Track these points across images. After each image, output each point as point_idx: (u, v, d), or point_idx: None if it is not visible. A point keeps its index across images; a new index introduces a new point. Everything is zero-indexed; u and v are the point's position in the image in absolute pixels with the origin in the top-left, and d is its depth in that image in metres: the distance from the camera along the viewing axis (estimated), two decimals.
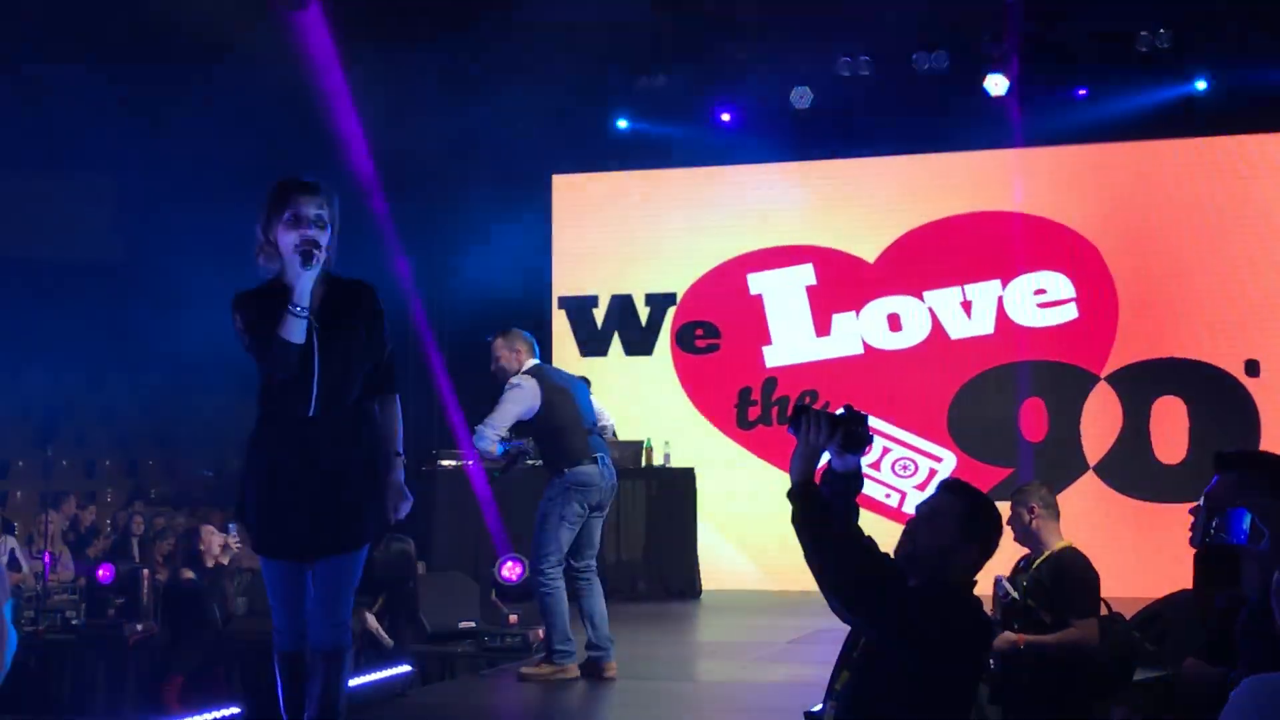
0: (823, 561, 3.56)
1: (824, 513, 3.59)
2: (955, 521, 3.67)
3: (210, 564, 8.32)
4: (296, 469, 4.40)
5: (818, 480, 3.67)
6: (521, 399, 7.21)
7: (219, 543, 8.41)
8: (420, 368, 12.43)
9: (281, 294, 4.38)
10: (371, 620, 7.88)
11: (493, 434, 7.12)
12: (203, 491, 14.29)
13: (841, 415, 3.67)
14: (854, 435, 3.65)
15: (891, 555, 3.70)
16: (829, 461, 3.72)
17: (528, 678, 7.10)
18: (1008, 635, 5.69)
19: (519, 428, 7.31)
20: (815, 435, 3.61)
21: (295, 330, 4.34)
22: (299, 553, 4.42)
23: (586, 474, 7.16)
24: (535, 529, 7.17)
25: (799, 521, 3.59)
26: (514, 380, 7.28)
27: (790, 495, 3.62)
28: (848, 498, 3.74)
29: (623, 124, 13.11)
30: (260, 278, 4.48)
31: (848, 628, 3.77)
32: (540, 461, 7.61)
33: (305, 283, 4.34)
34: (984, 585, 5.76)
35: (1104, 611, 5.90)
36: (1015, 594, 5.82)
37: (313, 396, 4.40)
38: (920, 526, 3.71)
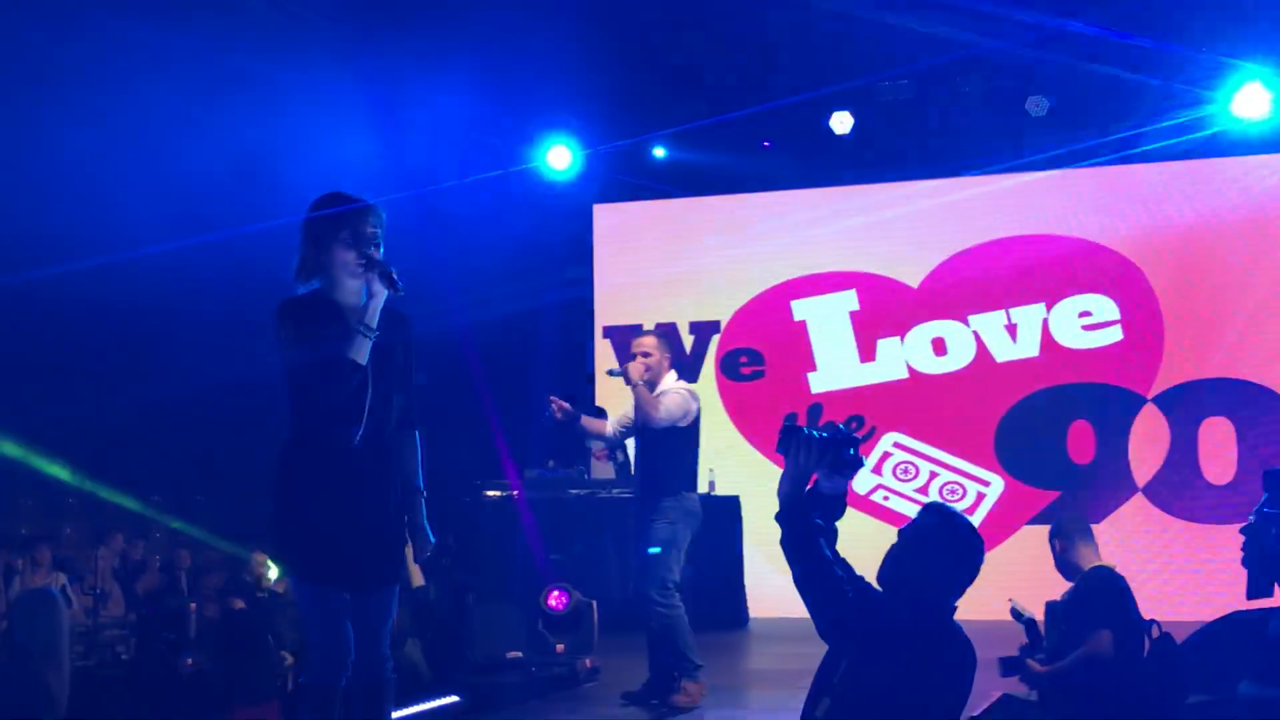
0: (808, 584, 3.53)
1: (813, 534, 3.54)
2: (935, 545, 3.63)
3: (263, 593, 8.34)
4: (347, 496, 4.29)
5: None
6: (684, 404, 7.18)
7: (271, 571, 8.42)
8: (465, 398, 12.47)
9: (329, 308, 4.33)
10: (415, 650, 7.88)
11: (661, 417, 7.09)
12: (248, 523, 14.34)
13: (831, 437, 3.59)
14: (843, 458, 3.58)
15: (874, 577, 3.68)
16: (815, 483, 3.66)
17: (684, 705, 7.06)
18: (1032, 666, 5.68)
19: (649, 436, 7.21)
20: (805, 457, 3.54)
21: (364, 352, 4.27)
22: (354, 582, 4.31)
23: (697, 502, 7.22)
24: (650, 549, 7.05)
25: (787, 544, 3.55)
26: (677, 386, 7.27)
27: (778, 518, 3.57)
28: (829, 521, 3.68)
29: (660, 152, 13.14)
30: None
31: None
32: (633, 482, 7.60)
33: (379, 303, 4.31)
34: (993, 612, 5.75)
35: (1155, 634, 5.84)
36: (1027, 613, 5.80)
37: (363, 422, 4.31)
38: (902, 549, 3.67)
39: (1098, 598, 5.77)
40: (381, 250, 4.37)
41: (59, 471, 12.31)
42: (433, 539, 4.55)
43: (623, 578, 11.11)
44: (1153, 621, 5.90)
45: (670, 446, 7.19)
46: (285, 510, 4.33)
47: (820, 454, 3.54)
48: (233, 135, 10.28)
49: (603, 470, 11.60)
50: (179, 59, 9.97)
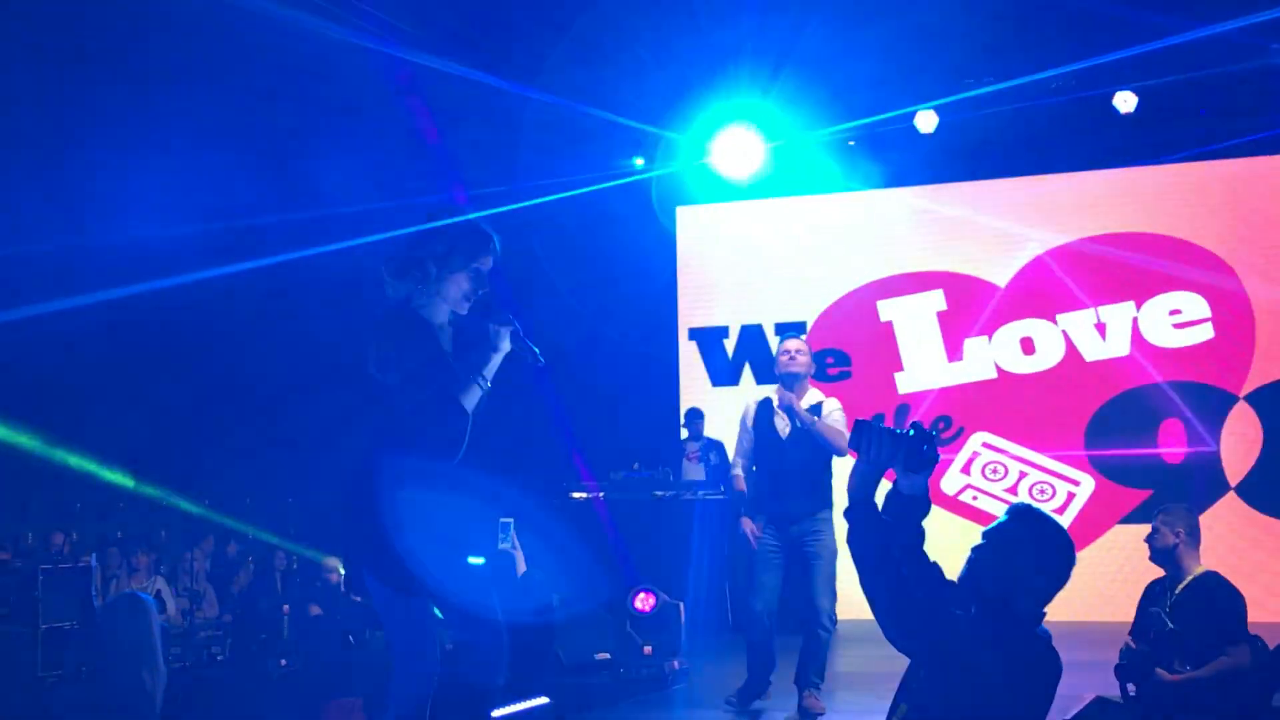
0: (875, 585, 3.40)
1: (882, 534, 3.41)
2: (1023, 551, 3.46)
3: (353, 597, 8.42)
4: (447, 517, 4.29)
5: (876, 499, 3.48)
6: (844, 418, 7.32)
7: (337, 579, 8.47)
8: (544, 402, 12.54)
9: (431, 338, 4.29)
10: None
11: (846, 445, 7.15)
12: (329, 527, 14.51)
13: (905, 433, 3.44)
14: (917, 454, 3.42)
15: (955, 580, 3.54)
16: (895, 482, 3.52)
17: (819, 710, 7.15)
18: (1161, 674, 5.61)
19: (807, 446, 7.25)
20: (877, 452, 3.41)
21: (476, 400, 4.28)
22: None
23: None
24: (829, 567, 7.12)
25: (854, 541, 3.44)
26: (829, 400, 7.42)
27: (845, 514, 3.46)
28: (913, 522, 3.51)
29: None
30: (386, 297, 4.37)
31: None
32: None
33: (500, 359, 4.32)
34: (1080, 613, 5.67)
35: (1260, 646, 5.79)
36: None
37: (461, 449, 4.29)
38: (986, 554, 3.51)
39: (1225, 607, 5.68)
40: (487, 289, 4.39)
41: (121, 479, 12.56)
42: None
43: (711, 580, 11.14)
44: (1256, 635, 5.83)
45: (829, 458, 7.27)
46: (380, 525, 4.23)
47: (893, 450, 3.41)
48: None
49: (694, 472, 11.62)
50: None
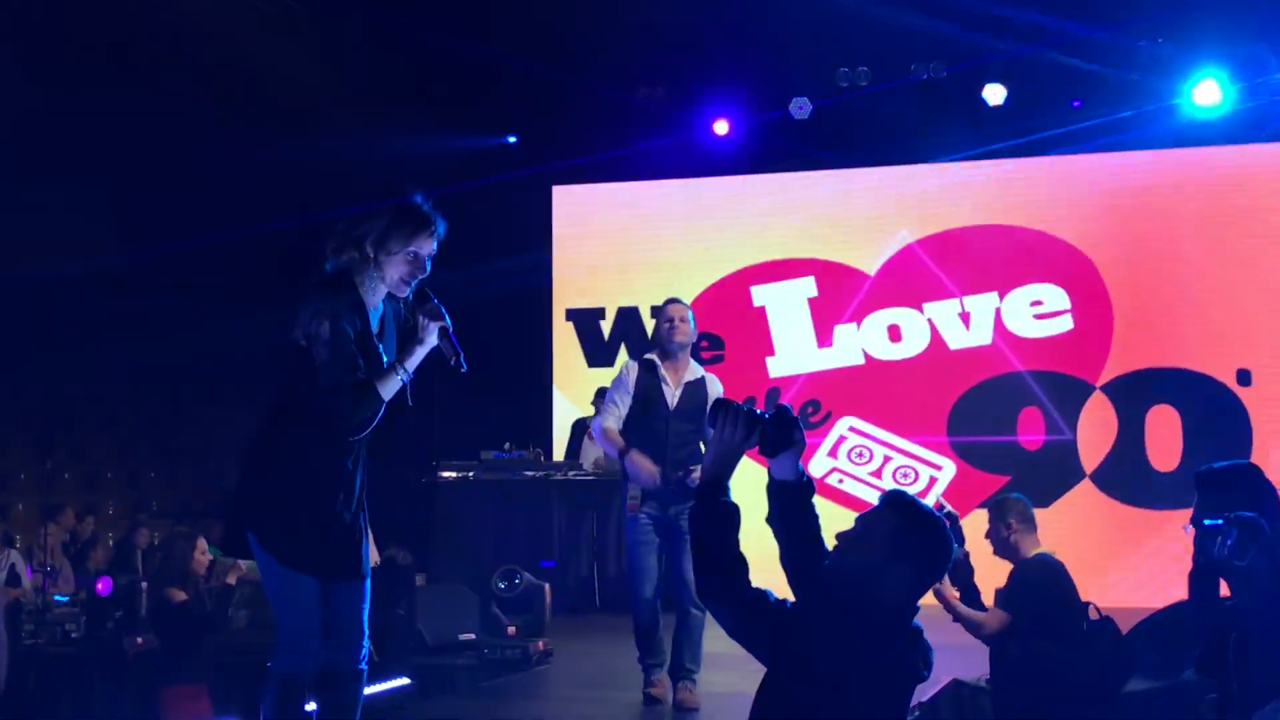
0: (708, 571, 3.27)
1: (722, 521, 3.25)
2: (887, 538, 3.25)
3: (204, 582, 8.26)
4: (346, 489, 4.30)
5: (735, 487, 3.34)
6: None
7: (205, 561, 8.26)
8: (420, 379, 12.43)
9: (362, 316, 4.27)
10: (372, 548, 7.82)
11: None
12: (202, 503, 14.30)
13: (763, 414, 3.29)
14: (771, 437, 3.27)
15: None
16: (769, 468, 3.38)
17: (694, 705, 6.71)
18: (946, 588, 5.72)
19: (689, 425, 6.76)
20: (730, 433, 3.24)
21: (394, 389, 4.25)
22: (350, 571, 4.31)
23: None
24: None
25: (694, 520, 3.29)
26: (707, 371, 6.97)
27: (695, 490, 3.32)
28: (797, 510, 3.38)
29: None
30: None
31: None
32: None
33: (426, 351, 4.28)
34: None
35: (1094, 615, 5.94)
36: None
37: (368, 431, 4.32)
38: (851, 540, 3.32)
39: (1020, 583, 5.82)
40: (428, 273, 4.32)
41: None
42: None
43: (577, 560, 11.15)
44: (1088, 604, 5.98)
45: (707, 435, 6.48)
46: (277, 493, 4.23)
47: (747, 430, 3.24)
48: None
49: (595, 451, 11.33)
50: None
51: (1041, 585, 5.77)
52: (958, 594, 5.77)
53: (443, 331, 4.26)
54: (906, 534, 3.25)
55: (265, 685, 4.25)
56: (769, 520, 3.42)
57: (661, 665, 6.84)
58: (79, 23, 10.36)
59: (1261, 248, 11.84)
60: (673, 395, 6.86)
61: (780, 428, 3.27)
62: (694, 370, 6.98)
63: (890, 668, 3.23)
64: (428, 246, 4.31)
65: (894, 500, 3.35)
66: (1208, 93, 11.60)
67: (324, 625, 4.26)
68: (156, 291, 12.12)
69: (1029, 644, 5.67)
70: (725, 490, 3.30)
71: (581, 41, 11.98)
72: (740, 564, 3.27)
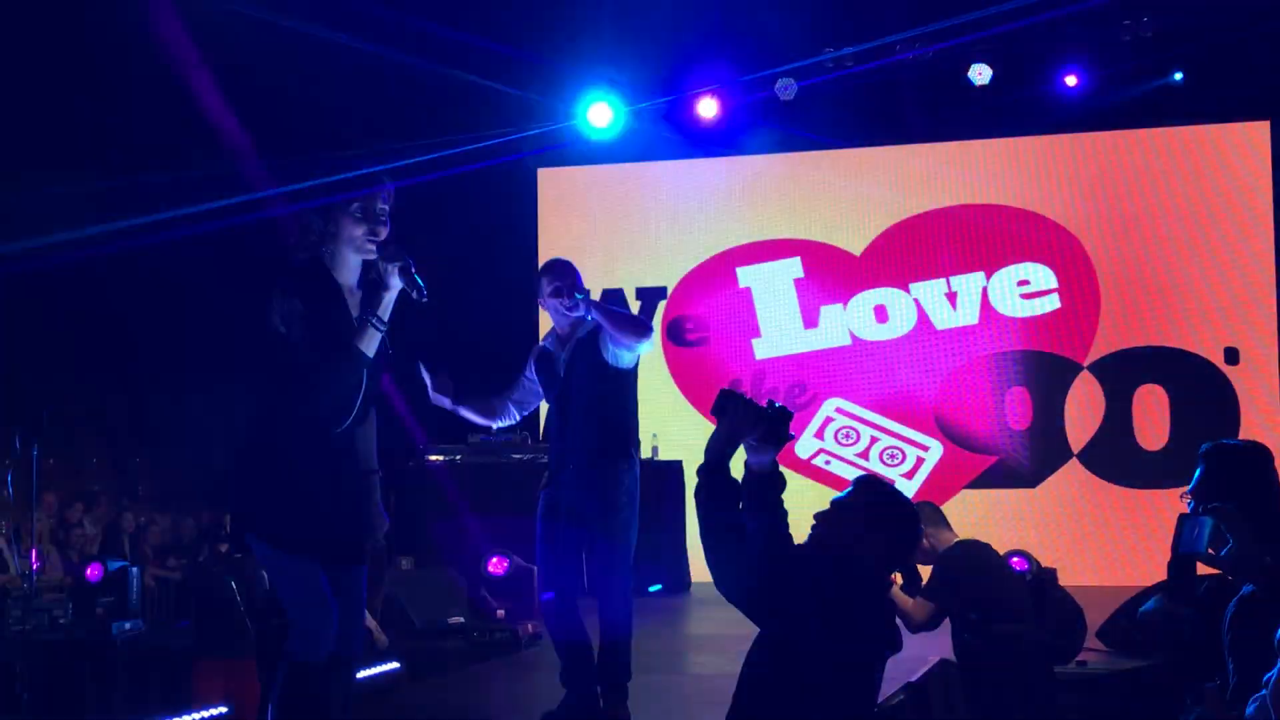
0: (717, 545, 3.54)
1: (728, 498, 3.56)
2: (861, 511, 3.67)
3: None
4: (333, 473, 4.23)
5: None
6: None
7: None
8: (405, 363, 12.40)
9: (334, 289, 4.22)
10: (370, 619, 7.84)
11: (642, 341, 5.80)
12: (188, 489, 14.26)
13: (767, 409, 3.58)
14: (774, 432, 3.56)
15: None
16: (747, 460, 3.64)
17: None
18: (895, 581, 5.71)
19: (606, 382, 5.89)
20: (739, 422, 3.54)
21: (374, 344, 4.18)
22: (348, 556, 4.26)
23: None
24: (621, 531, 5.83)
25: (701, 499, 3.58)
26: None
27: (699, 470, 3.57)
28: (770, 499, 3.60)
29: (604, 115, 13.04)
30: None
31: None
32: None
33: (394, 296, 4.19)
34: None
35: (1030, 570, 6.00)
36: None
37: (355, 407, 4.24)
38: (829, 517, 3.71)
39: (962, 565, 5.81)
40: (388, 229, 4.25)
41: None
42: (386, 519, 4.56)
43: None
44: (1015, 553, 6.00)
45: (624, 397, 5.96)
46: (271, 482, 4.19)
47: (754, 422, 3.54)
48: None
49: None
50: None
51: (966, 568, 5.76)
52: (900, 579, 5.74)
53: (404, 270, 4.16)
54: (879, 508, 3.68)
55: (278, 672, 4.22)
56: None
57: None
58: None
59: (1248, 226, 11.86)
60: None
61: (781, 424, 3.56)
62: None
63: (865, 634, 3.57)
64: (374, 201, 4.23)
65: (865, 482, 3.78)
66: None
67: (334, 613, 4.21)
68: (143, 277, 12.06)
69: (982, 627, 5.69)
70: (727, 470, 3.57)
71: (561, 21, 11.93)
72: (744, 528, 3.57)
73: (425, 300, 4.18)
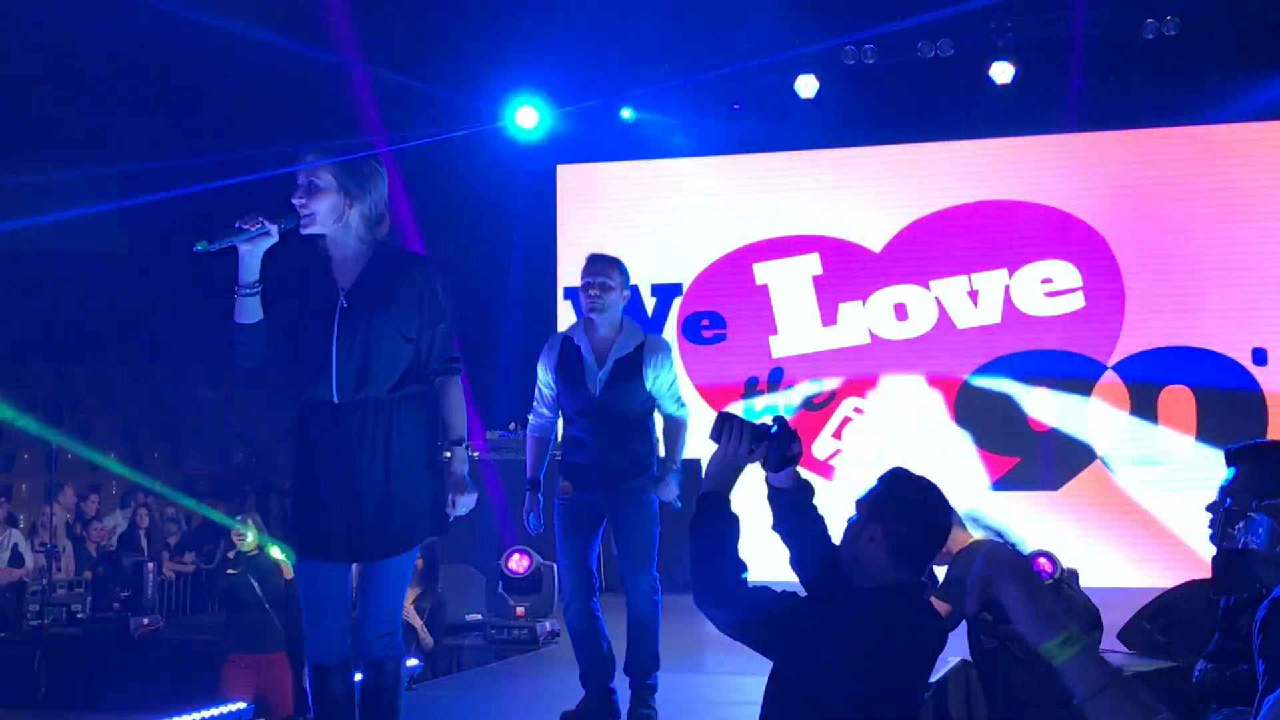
0: (709, 575, 3.28)
1: (724, 528, 3.28)
2: (865, 503, 3.32)
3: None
4: (332, 461, 4.04)
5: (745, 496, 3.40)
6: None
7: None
8: None
9: (284, 264, 4.16)
10: (416, 619, 7.81)
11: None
12: (206, 484, 14.27)
13: (767, 429, 3.34)
14: (779, 456, 3.34)
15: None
16: (767, 477, 3.44)
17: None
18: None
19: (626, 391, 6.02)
20: (735, 446, 3.31)
21: (244, 311, 4.05)
22: (341, 553, 4.07)
23: None
24: (647, 524, 6.15)
25: (695, 528, 3.30)
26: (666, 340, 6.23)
27: (697, 500, 3.34)
28: (798, 515, 3.44)
29: (627, 114, 13.05)
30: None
31: None
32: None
33: (245, 258, 4.02)
34: None
35: (1052, 569, 5.98)
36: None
37: (333, 380, 4.04)
38: (864, 523, 3.33)
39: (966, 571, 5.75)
40: (334, 197, 4.14)
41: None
42: (472, 490, 4.22)
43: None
44: (1040, 552, 5.97)
45: (654, 409, 6.27)
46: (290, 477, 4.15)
47: (750, 445, 3.31)
48: None
49: None
50: None
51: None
52: None
53: (236, 231, 3.98)
54: (877, 494, 3.30)
55: (307, 678, 4.17)
56: (774, 528, 3.47)
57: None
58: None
59: (1276, 225, 11.76)
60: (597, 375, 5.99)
61: (782, 444, 3.33)
62: (628, 337, 6.06)
63: (903, 644, 3.22)
64: (301, 175, 4.16)
65: (886, 474, 3.38)
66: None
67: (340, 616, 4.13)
68: (159, 272, 12.06)
69: (996, 628, 5.65)
70: (726, 501, 3.33)
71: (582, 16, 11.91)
72: (741, 570, 3.29)
73: (298, 222, 4.08)
